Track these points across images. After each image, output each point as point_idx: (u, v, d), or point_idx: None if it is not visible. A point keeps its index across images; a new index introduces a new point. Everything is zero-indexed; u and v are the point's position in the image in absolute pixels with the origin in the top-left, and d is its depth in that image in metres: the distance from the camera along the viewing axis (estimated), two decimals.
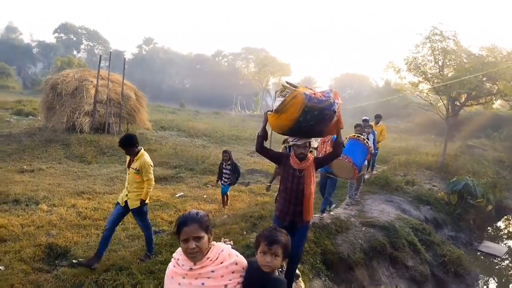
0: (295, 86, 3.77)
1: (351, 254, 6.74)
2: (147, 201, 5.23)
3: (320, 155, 6.48)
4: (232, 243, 2.61)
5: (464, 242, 9.73)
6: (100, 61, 15.96)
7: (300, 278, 4.91)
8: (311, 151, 4.95)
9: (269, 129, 4.17)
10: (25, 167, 10.41)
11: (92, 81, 15.14)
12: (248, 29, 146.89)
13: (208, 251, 2.11)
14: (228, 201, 8.03)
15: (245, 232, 6.44)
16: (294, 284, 4.68)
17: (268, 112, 3.93)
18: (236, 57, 68.87)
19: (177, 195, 8.84)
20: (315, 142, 4.11)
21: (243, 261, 2.21)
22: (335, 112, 3.66)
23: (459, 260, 7.91)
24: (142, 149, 5.10)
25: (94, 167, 11.38)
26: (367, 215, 8.31)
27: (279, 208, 4.15)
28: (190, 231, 2.05)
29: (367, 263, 6.94)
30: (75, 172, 10.49)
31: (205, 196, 8.96)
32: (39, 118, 17.12)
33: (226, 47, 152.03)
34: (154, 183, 5.18)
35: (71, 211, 6.85)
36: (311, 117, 3.59)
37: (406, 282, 7.17)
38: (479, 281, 7.96)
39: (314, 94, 3.62)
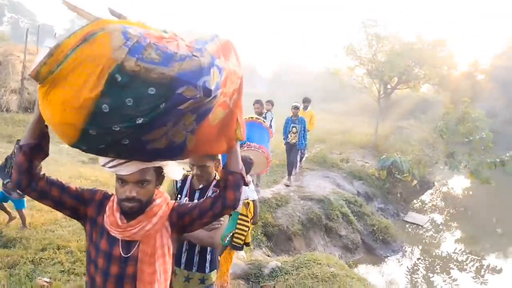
0: (118, 15, 1.48)
1: (290, 226, 7.17)
2: None
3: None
4: None
5: (392, 213, 10.66)
6: (27, 35, 14.70)
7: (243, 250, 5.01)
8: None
9: None
10: None
11: (18, 56, 13.97)
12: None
13: None
14: (25, 222, 5.07)
15: None
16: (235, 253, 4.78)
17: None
18: None
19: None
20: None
21: None
22: (209, 92, 1.33)
23: (387, 229, 8.70)
24: None
25: None
26: (305, 189, 8.80)
27: None
28: None
29: (305, 233, 7.42)
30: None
31: None
32: None
33: None
34: None
35: None
36: (136, 102, 1.27)
37: (339, 249, 7.77)
38: (404, 247, 8.81)
39: (158, 38, 1.34)
